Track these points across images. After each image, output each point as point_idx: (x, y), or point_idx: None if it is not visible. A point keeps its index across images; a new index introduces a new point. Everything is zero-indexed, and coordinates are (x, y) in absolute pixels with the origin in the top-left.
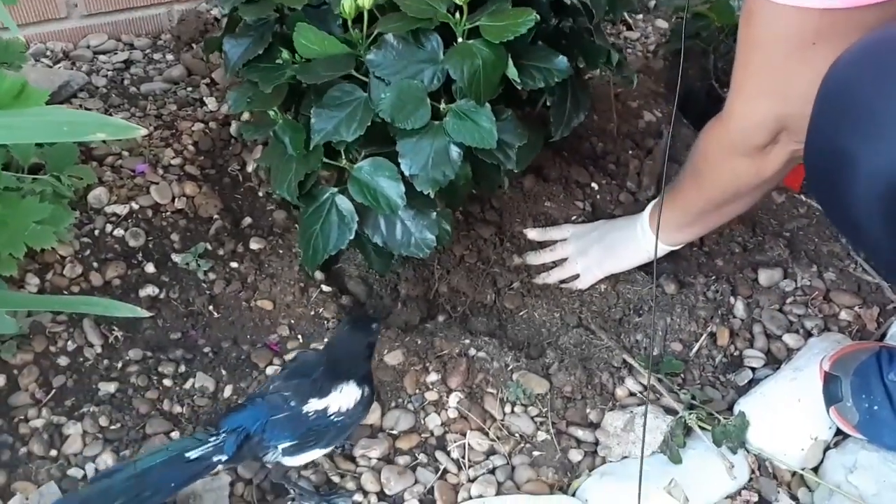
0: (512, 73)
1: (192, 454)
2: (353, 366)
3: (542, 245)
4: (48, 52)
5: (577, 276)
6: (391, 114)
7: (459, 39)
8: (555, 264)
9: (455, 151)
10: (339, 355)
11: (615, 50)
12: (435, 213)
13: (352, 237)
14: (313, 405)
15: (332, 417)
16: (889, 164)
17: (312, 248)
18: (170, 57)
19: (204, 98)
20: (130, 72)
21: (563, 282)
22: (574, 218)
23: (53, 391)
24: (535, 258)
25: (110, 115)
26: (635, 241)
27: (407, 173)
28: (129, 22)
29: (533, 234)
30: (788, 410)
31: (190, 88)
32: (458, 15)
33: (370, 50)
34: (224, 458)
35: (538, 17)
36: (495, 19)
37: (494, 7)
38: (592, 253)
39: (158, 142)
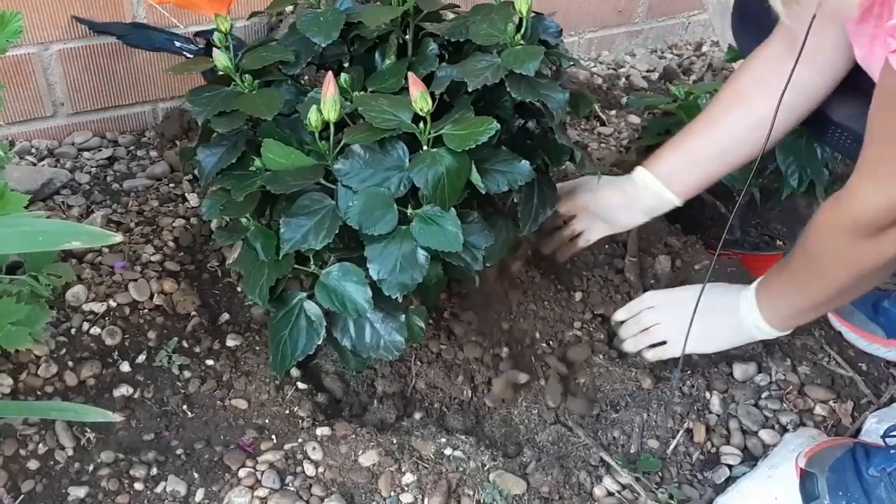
0: (475, 178)
1: None
2: None
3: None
4: (33, 150)
5: (664, 343)
6: (359, 221)
7: (424, 147)
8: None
9: (422, 255)
10: None
11: (578, 148)
12: (404, 315)
13: (320, 342)
14: None
15: None
16: None
17: (281, 354)
18: (153, 153)
19: (186, 194)
20: (114, 168)
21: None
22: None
23: (22, 497)
24: (623, 315)
25: (92, 211)
26: (739, 321)
27: (375, 278)
28: (113, 119)
29: (620, 314)
30: None
31: (172, 185)
32: (422, 124)
33: (338, 159)
34: None
35: (499, 125)
36: (458, 128)
37: (458, 115)
38: (684, 326)
39: (139, 238)
